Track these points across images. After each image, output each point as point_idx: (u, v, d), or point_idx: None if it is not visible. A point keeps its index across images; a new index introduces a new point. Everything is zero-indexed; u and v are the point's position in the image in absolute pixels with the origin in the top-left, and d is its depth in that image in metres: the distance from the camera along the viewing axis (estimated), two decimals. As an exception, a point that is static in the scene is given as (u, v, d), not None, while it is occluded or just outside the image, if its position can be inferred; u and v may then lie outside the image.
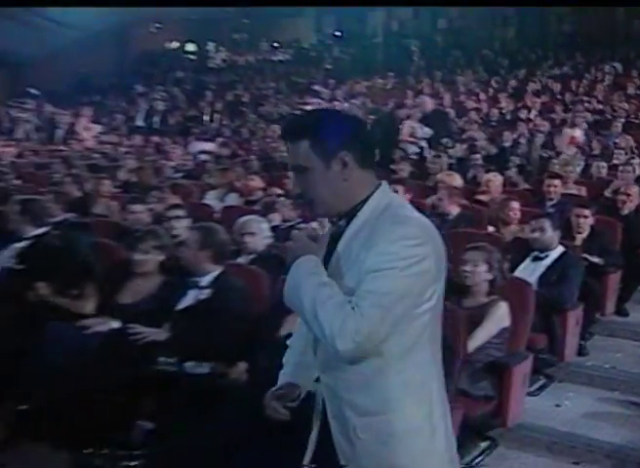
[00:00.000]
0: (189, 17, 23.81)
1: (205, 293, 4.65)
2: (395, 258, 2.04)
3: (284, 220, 6.90)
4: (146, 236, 4.86)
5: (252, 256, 5.61)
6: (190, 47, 25.76)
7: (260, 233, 5.74)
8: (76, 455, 4.15)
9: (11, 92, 20.88)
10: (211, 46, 25.45)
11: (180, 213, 6.30)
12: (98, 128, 16.32)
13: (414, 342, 2.15)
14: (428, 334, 2.19)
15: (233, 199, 8.83)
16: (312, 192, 2.22)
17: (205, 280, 4.71)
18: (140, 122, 18.00)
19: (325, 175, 2.17)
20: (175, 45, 25.85)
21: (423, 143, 10.20)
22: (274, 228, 6.22)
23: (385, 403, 2.15)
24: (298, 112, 15.99)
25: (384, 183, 2.24)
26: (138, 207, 6.18)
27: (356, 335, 2.00)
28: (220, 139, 14.78)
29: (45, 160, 11.77)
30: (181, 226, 5.91)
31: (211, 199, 8.84)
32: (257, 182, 8.96)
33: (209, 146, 13.84)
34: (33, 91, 19.57)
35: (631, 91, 15.64)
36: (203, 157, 12.62)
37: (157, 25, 25.03)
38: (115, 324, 4.73)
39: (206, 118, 18.29)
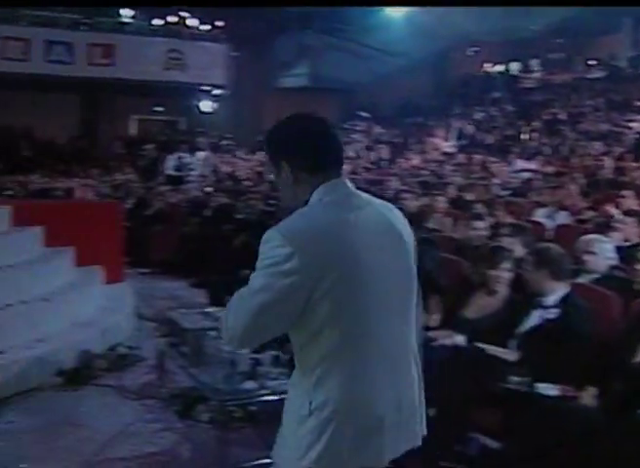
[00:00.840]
0: (505, 39, 23.61)
1: (551, 313, 4.45)
2: (260, 259, 2.16)
3: (625, 240, 6.43)
4: (498, 253, 4.75)
5: (593, 276, 5.27)
6: (506, 67, 25.49)
7: (601, 253, 5.39)
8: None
9: (343, 115, 22.17)
10: (526, 66, 25.01)
11: (513, 230, 6.13)
12: (446, 145, 16.62)
13: (314, 335, 2.17)
14: (332, 334, 2.16)
15: (563, 217, 8.48)
16: (280, 194, 2.40)
17: (550, 300, 4.51)
18: (451, 141, 18.12)
19: (280, 180, 2.32)
20: (491, 67, 25.75)
21: None
22: (618, 248, 5.80)
23: (290, 387, 2.34)
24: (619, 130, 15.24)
25: (322, 185, 2.24)
26: (479, 223, 6.11)
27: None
28: (541, 158, 14.35)
29: (377, 177, 12.21)
30: (515, 243, 5.71)
31: (540, 217, 8.56)
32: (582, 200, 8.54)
33: (531, 165, 13.51)
34: (363, 114, 20.55)
35: None
36: (526, 175, 12.32)
37: (474, 49, 25.09)
38: (459, 338, 4.69)
39: (524, 137, 17.92)
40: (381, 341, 2.21)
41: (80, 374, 5.85)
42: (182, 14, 23.06)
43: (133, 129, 24.83)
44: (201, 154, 17.39)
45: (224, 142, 21.32)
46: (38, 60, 20.56)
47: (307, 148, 2.27)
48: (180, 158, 16.95)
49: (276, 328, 2.20)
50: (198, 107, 24.26)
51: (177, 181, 15.23)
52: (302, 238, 2.12)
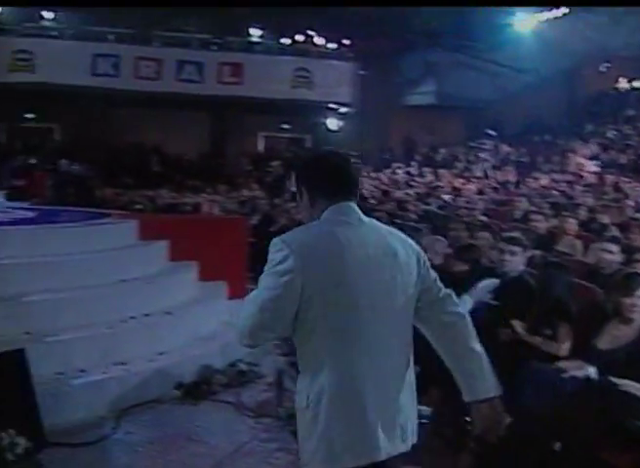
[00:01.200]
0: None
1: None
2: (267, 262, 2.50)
3: None
4: (634, 279, 4.42)
5: None
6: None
7: None
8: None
9: (470, 133, 21.81)
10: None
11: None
12: (591, 164, 16.01)
13: (308, 334, 2.47)
14: (323, 331, 2.45)
15: None
16: (300, 212, 2.81)
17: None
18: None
19: (301, 201, 2.72)
20: (625, 82, 24.65)
21: None
22: None
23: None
24: None
25: (331, 207, 2.60)
26: (612, 247, 5.75)
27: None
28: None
29: (504, 197, 11.86)
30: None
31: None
32: None
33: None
34: (490, 132, 20.13)
35: None
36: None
37: (606, 65, 24.11)
38: (591, 369, 4.37)
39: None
40: (367, 341, 2.48)
41: (199, 389, 5.86)
42: (310, 32, 23.31)
43: (260, 146, 25.25)
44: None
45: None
46: (170, 79, 21.36)
47: (322, 179, 2.65)
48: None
49: (278, 324, 2.47)
50: (324, 125, 24.43)
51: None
52: (298, 243, 2.48)
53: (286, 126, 24.95)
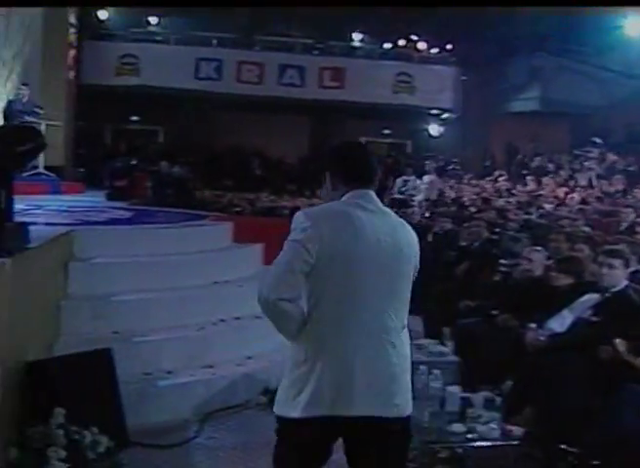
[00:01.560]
0: None
1: None
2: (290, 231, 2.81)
3: None
4: None
5: None
6: None
7: None
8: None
9: (575, 141, 21.08)
10: None
11: None
12: None
13: (316, 301, 2.76)
14: (328, 301, 2.75)
15: None
16: (322, 196, 3.12)
17: None
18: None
19: (325, 186, 3.02)
20: None
21: None
22: None
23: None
24: None
25: (350, 192, 2.89)
26: None
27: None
28: None
29: (610, 207, 11.33)
30: None
31: None
32: None
33: None
34: (596, 140, 19.39)
35: None
36: None
37: None
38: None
39: None
40: (366, 315, 2.77)
41: (285, 395, 5.77)
42: (412, 37, 23.09)
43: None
44: (427, 178, 17.18)
45: (451, 167, 20.99)
46: (271, 83, 21.52)
47: (343, 166, 2.95)
48: (405, 181, 16.85)
49: (293, 282, 2.72)
50: (425, 131, 24.15)
51: (401, 204, 15.11)
52: (317, 217, 2.80)
53: (387, 131, 24.76)
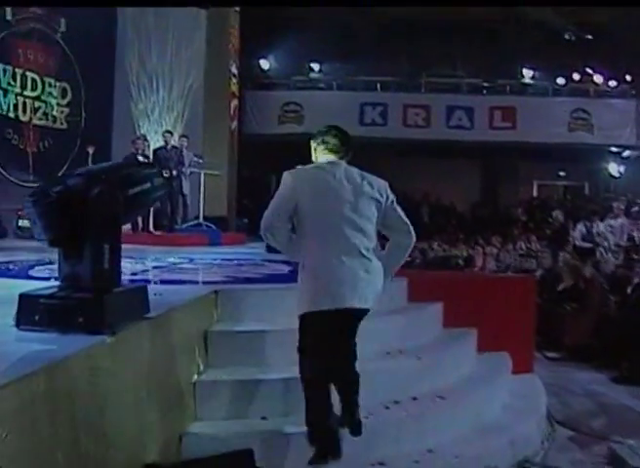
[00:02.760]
0: None
1: None
2: None
3: None
4: None
5: None
6: None
7: None
8: None
9: None
10: None
11: None
12: None
13: (303, 232, 3.93)
14: (312, 232, 3.90)
15: None
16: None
17: None
18: None
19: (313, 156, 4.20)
20: None
21: None
22: None
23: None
24: None
25: (323, 158, 4.08)
26: None
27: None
28: None
29: None
30: None
31: None
32: None
33: None
34: None
35: None
36: None
37: None
38: None
39: None
40: (340, 236, 3.86)
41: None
42: (587, 70, 21.33)
43: (534, 194, 23.42)
44: (614, 221, 15.23)
45: (636, 208, 18.84)
46: (439, 126, 20.45)
47: (319, 139, 4.09)
48: (587, 226, 15.03)
49: (284, 219, 3.90)
50: (605, 170, 22.13)
51: (586, 252, 13.33)
52: (298, 175, 3.97)
53: (562, 173, 22.90)
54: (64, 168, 14.65)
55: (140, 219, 12.65)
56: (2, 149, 14.11)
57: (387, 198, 4.03)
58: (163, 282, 5.73)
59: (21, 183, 14.47)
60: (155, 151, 12.85)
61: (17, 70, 14.42)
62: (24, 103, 14.57)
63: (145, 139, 13.38)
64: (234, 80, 18.13)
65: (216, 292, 4.96)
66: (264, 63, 20.99)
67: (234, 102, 18.33)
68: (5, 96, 14.28)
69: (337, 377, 4.07)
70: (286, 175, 3.91)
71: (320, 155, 4.09)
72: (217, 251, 10.86)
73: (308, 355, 3.94)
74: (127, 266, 7.19)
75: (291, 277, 6.52)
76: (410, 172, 20.88)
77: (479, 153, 21.75)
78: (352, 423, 4.10)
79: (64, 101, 15.23)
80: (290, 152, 20.80)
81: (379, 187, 4.03)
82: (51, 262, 6.19)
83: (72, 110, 15.28)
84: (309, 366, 3.93)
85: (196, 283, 5.55)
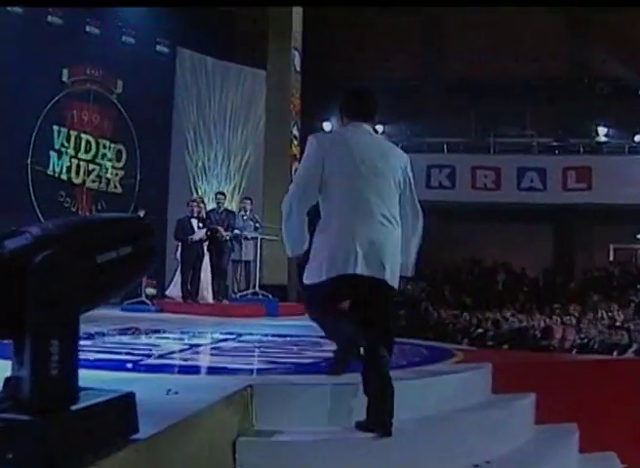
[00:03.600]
0: None
1: None
2: None
3: None
4: None
5: None
6: None
7: None
8: None
9: None
10: None
11: None
12: None
13: (329, 197, 3.68)
14: (335, 194, 3.66)
15: None
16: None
17: None
18: None
19: (338, 121, 4.10)
20: None
21: None
22: None
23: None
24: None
25: (351, 123, 3.83)
26: None
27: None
28: None
29: None
30: None
31: None
32: None
33: None
34: None
35: None
36: None
37: None
38: None
39: None
40: (364, 204, 3.64)
41: None
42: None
43: (610, 259, 21.77)
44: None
45: None
46: (509, 189, 19.13)
47: (347, 106, 3.88)
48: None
49: (312, 188, 3.66)
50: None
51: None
52: (323, 139, 3.83)
53: (640, 236, 21.27)
54: (117, 232, 13.92)
55: (189, 285, 11.78)
56: (54, 212, 13.41)
57: (408, 173, 3.86)
58: (188, 369, 4.60)
59: (72, 248, 13.73)
60: (208, 214, 11.93)
61: (71, 132, 13.87)
62: (78, 166, 13.96)
63: (202, 202, 12.51)
64: (295, 142, 17.20)
65: (251, 386, 3.77)
66: (327, 126, 20.14)
67: (295, 165, 17.40)
68: (59, 158, 13.69)
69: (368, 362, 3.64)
70: (311, 139, 3.78)
71: (346, 119, 3.91)
72: (272, 323, 9.78)
73: (329, 322, 3.83)
74: (160, 344, 6.10)
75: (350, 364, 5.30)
76: (478, 237, 19.58)
77: (552, 216, 20.33)
78: (381, 423, 3.53)
79: (119, 164, 14.56)
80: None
81: (403, 160, 3.87)
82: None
83: (127, 173, 14.59)
84: (334, 329, 3.82)
85: (232, 372, 4.38)
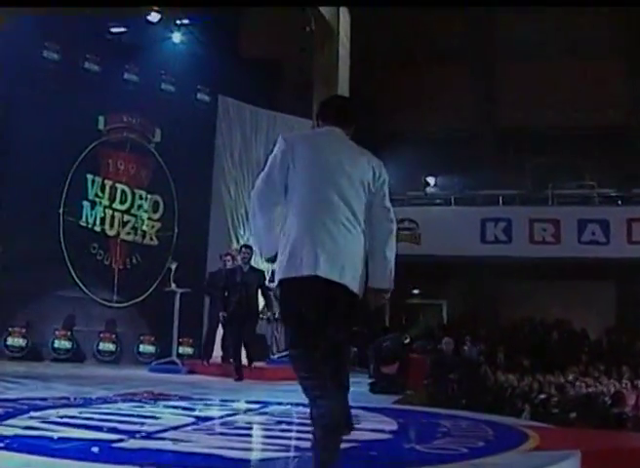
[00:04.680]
0: None
1: None
2: None
3: None
4: None
5: None
6: None
7: None
8: None
9: None
10: None
11: None
12: None
13: (291, 200, 3.49)
14: (299, 195, 3.47)
15: None
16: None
17: None
18: None
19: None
20: None
21: None
22: None
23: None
24: None
25: (326, 128, 3.70)
26: None
27: None
28: None
29: None
30: None
31: None
32: None
33: None
34: None
35: None
36: None
37: None
38: None
39: None
40: (323, 203, 3.44)
41: None
42: None
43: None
44: None
45: None
46: (570, 242, 17.47)
47: (321, 110, 3.79)
48: None
49: (276, 186, 3.50)
50: None
51: None
52: (293, 139, 3.62)
53: None
54: (152, 287, 12.91)
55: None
56: (86, 265, 12.50)
57: (380, 176, 3.65)
58: (164, 458, 3.37)
59: (104, 303, 12.73)
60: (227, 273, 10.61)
61: (106, 181, 13.05)
62: (113, 217, 13.07)
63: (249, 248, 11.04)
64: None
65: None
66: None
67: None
68: (92, 208, 12.83)
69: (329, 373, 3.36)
70: (280, 139, 3.68)
71: (321, 122, 3.84)
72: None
73: (289, 327, 3.57)
74: (161, 415, 4.92)
75: (393, 448, 4.02)
76: (537, 295, 18.03)
77: (615, 271, 18.67)
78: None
79: (156, 216, 13.61)
80: (405, 275, 18.62)
81: (375, 163, 3.69)
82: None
83: (164, 225, 13.61)
84: (292, 337, 3.51)
85: (219, 463, 3.17)
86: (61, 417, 4.51)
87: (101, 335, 12.64)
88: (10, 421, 4.25)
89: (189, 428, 4.33)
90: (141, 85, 13.48)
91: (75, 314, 12.36)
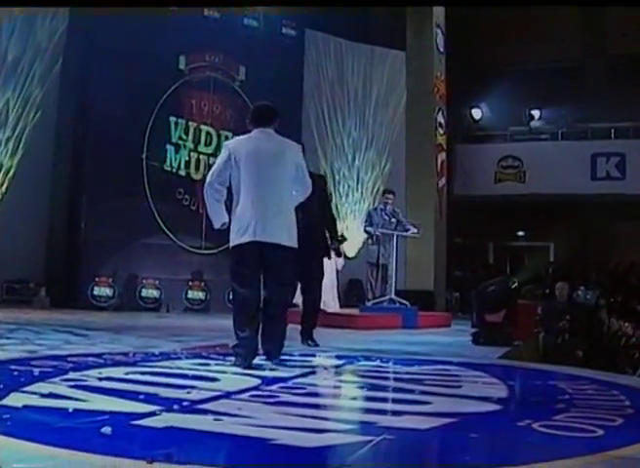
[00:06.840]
0: None
1: None
2: None
3: None
4: None
5: None
6: None
7: None
8: None
9: None
10: None
11: None
12: None
13: (237, 187, 4.65)
14: (242, 186, 4.63)
15: None
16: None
17: None
18: None
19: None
20: None
21: None
22: None
23: None
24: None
25: (256, 130, 4.78)
26: None
27: None
28: None
29: None
30: None
31: None
32: None
33: None
34: None
35: None
36: None
37: None
38: None
39: None
40: (263, 190, 4.63)
41: None
42: None
43: None
44: None
45: None
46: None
47: (251, 115, 4.89)
48: None
49: (221, 179, 4.66)
50: None
51: None
52: (233, 144, 4.80)
53: None
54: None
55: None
56: (172, 211, 11.88)
57: (300, 161, 4.86)
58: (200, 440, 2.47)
59: (192, 250, 12.11)
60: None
61: (190, 124, 12.33)
62: (198, 160, 12.40)
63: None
64: (441, 131, 14.84)
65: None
66: (477, 113, 17.59)
67: (441, 157, 14.99)
68: (177, 151, 12.17)
69: (266, 304, 4.69)
70: (224, 146, 4.91)
71: (251, 126, 4.83)
72: (406, 339, 7.61)
73: (237, 283, 4.67)
74: (222, 377, 4.08)
75: (503, 426, 2.98)
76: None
77: None
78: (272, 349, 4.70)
79: (243, 157, 12.81)
80: (510, 216, 17.32)
81: (295, 150, 4.87)
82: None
83: (252, 167, 12.81)
84: (239, 292, 4.67)
85: (249, 444, 2.28)
86: (100, 380, 3.72)
87: (190, 283, 12.10)
88: (36, 385, 3.46)
89: (247, 394, 3.45)
90: (222, 21, 12.59)
91: (162, 262, 11.85)
